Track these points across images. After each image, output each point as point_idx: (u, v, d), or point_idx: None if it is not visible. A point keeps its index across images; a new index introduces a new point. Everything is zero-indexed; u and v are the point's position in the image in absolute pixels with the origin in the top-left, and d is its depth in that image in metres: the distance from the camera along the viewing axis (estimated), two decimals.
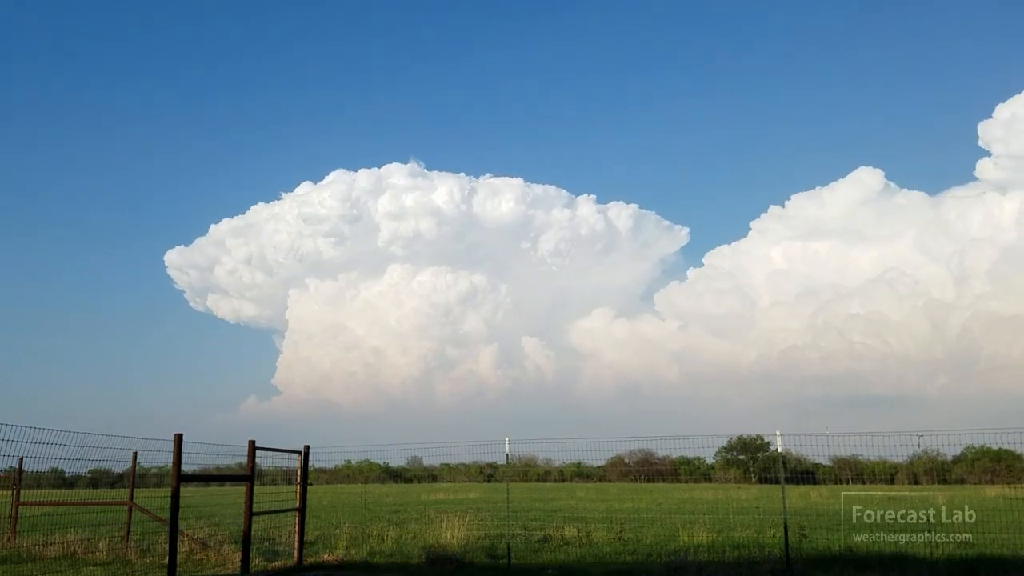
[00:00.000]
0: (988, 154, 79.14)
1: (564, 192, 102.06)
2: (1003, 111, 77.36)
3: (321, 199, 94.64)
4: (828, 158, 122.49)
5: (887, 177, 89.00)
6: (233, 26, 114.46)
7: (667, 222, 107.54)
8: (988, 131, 78.45)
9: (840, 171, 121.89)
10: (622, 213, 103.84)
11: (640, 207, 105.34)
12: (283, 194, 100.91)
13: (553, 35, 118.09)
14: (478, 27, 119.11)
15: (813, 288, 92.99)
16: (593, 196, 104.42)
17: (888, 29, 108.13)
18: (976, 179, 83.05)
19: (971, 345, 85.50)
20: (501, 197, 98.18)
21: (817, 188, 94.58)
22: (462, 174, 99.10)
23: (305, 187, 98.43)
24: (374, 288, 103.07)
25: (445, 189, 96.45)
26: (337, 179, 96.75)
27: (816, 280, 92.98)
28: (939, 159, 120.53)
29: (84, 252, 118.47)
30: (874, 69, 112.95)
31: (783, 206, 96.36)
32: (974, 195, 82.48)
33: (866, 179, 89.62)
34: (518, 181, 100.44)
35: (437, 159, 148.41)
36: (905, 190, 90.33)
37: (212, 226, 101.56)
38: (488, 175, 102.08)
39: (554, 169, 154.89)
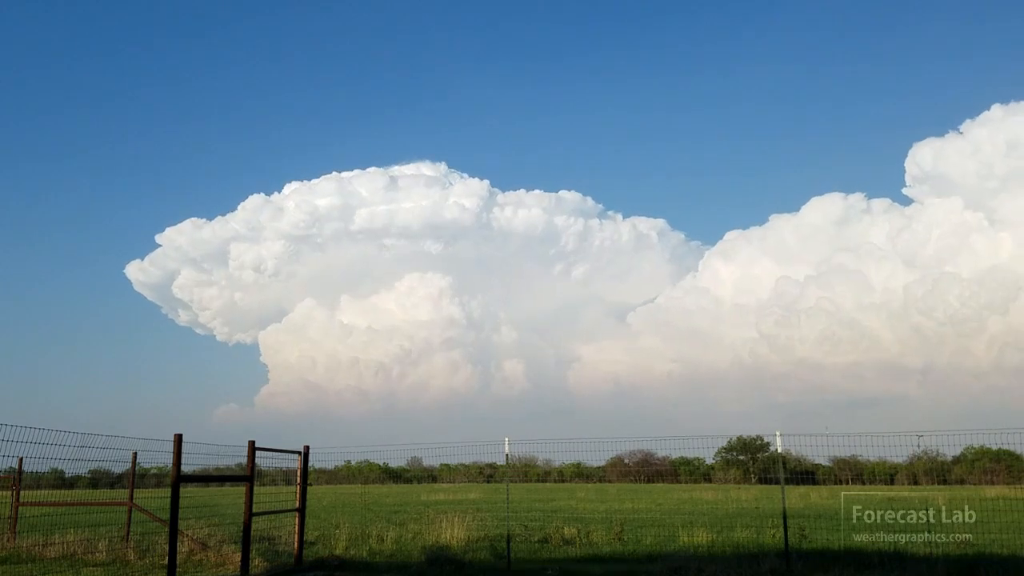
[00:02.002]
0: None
1: (582, 202, 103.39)
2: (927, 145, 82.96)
3: (312, 201, 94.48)
4: (803, 176, 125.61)
5: (859, 192, 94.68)
6: (230, 32, 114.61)
7: (696, 242, 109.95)
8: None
9: (813, 190, 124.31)
10: (640, 226, 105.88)
11: (667, 223, 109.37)
12: (274, 195, 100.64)
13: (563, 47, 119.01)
14: (491, 33, 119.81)
15: (790, 297, 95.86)
16: (616, 210, 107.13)
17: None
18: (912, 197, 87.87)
19: (943, 350, 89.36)
20: (519, 206, 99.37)
21: (793, 205, 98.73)
22: (477, 179, 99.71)
23: (296, 188, 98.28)
24: (370, 291, 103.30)
25: (457, 194, 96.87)
26: (330, 180, 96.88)
27: (792, 290, 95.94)
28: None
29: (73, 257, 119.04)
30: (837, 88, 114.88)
31: (762, 224, 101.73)
32: (938, 209, 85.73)
33: (836, 198, 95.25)
34: (537, 192, 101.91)
35: (452, 164, 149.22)
36: (876, 203, 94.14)
37: (204, 225, 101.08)
38: (496, 184, 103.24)
39: (572, 179, 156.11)
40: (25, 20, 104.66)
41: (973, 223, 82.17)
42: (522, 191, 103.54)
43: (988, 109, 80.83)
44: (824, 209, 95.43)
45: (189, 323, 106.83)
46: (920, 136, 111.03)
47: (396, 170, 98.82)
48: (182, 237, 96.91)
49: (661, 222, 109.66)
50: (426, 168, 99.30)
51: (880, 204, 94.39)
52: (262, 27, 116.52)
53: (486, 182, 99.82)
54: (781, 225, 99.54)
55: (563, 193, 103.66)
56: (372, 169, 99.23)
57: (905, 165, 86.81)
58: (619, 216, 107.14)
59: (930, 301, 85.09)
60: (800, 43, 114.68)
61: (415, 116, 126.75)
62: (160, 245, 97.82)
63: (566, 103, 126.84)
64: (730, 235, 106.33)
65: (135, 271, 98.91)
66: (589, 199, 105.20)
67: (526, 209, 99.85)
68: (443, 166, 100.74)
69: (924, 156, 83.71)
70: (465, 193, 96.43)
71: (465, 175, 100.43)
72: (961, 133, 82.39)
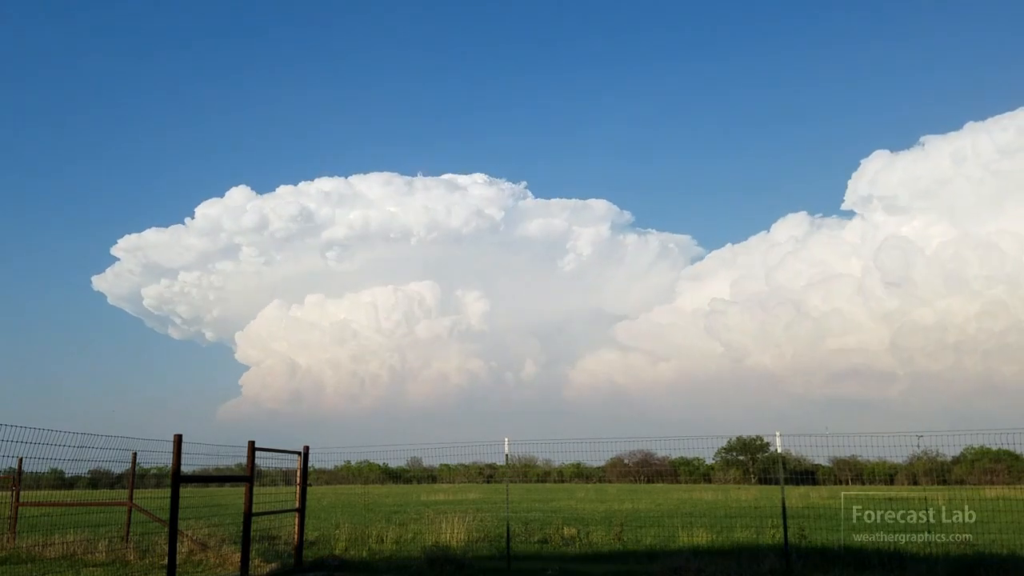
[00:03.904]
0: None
1: (609, 211, 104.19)
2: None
3: (307, 204, 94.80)
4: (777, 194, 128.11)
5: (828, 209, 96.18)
6: (228, 42, 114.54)
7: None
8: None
9: (788, 207, 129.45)
10: (660, 239, 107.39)
11: (692, 239, 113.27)
12: (271, 195, 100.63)
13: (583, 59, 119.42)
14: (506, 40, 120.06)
15: (780, 302, 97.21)
16: (641, 222, 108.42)
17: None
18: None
19: (916, 355, 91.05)
20: (535, 212, 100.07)
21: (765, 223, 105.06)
22: (492, 184, 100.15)
23: (292, 190, 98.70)
24: (372, 292, 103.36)
25: (472, 198, 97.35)
26: (332, 181, 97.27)
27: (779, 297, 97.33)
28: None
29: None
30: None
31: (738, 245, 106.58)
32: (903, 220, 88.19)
33: (802, 216, 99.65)
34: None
35: (461, 168, 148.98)
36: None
37: (198, 212, 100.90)
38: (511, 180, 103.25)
39: (598, 187, 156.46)
40: None
41: (941, 235, 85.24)
42: (540, 199, 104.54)
43: (955, 125, 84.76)
44: (793, 225, 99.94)
45: (184, 327, 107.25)
46: (891, 149, 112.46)
47: (414, 175, 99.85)
48: (162, 242, 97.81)
49: (686, 238, 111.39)
50: (434, 174, 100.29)
51: (855, 221, 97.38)
52: (260, 32, 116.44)
53: (504, 185, 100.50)
54: (757, 242, 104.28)
55: (591, 201, 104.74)
56: (385, 172, 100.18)
57: (854, 179, 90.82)
58: (639, 228, 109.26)
59: (906, 307, 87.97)
60: (790, 60, 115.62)
61: (434, 124, 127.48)
62: (121, 252, 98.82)
63: (589, 110, 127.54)
64: (714, 252, 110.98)
65: (101, 282, 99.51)
66: (627, 213, 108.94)
67: (542, 218, 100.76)
68: (452, 173, 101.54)
69: (876, 170, 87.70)
70: (481, 198, 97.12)
71: (479, 179, 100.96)
72: (923, 146, 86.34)
